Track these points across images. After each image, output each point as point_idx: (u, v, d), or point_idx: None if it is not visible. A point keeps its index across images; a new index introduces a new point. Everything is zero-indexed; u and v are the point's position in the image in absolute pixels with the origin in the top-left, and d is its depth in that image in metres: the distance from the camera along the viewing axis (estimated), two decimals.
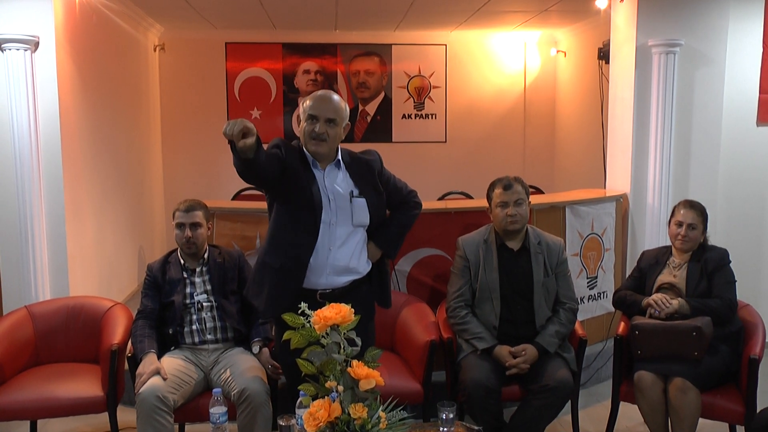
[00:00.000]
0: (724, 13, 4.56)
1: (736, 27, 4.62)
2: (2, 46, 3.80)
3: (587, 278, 4.34)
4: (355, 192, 2.68)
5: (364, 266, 2.75)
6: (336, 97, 2.65)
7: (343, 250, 2.66)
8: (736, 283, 3.26)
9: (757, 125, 4.81)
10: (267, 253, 2.70)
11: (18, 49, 3.79)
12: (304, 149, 2.67)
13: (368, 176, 2.74)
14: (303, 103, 2.66)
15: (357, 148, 2.85)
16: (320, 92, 2.66)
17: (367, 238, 2.76)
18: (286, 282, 2.63)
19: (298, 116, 2.68)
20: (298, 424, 2.18)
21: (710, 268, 3.24)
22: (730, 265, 3.27)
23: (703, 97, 4.61)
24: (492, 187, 3.28)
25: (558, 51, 7.46)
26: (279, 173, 2.53)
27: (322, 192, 2.64)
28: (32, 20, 3.86)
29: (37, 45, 3.87)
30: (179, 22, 6.56)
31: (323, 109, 2.59)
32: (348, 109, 2.69)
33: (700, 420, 3.01)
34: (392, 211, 2.88)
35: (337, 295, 2.62)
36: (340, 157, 2.71)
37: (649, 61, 4.52)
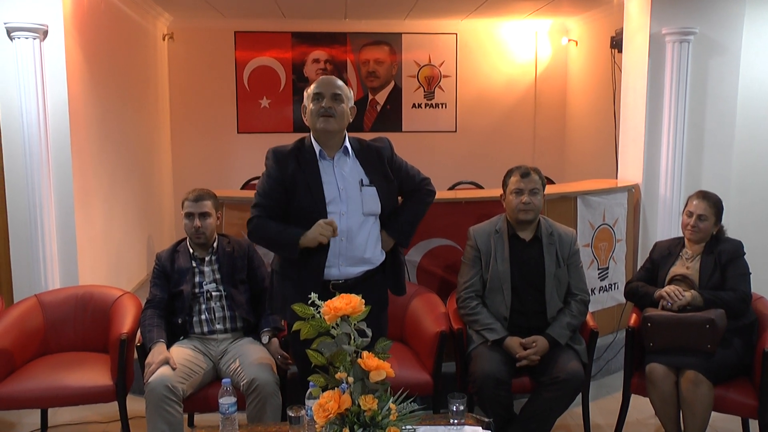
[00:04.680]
0: (739, 0, 4.49)
1: (752, 14, 4.55)
2: (11, 34, 3.79)
3: (598, 269, 4.31)
4: (365, 180, 2.66)
5: (378, 257, 2.73)
6: (338, 80, 2.69)
7: (356, 240, 2.64)
8: (750, 275, 3.22)
9: None
10: (282, 266, 2.71)
11: (27, 38, 3.78)
12: (311, 139, 2.65)
13: (378, 164, 2.71)
14: (306, 90, 2.68)
15: (367, 137, 2.82)
16: (322, 77, 2.70)
17: (380, 228, 2.73)
18: (308, 288, 2.61)
19: (304, 107, 2.67)
20: (307, 415, 2.17)
21: (724, 259, 3.20)
22: (744, 256, 3.24)
23: (718, 87, 4.55)
24: (509, 174, 3.26)
25: (569, 40, 7.38)
26: (284, 203, 2.65)
27: (332, 182, 2.62)
28: (41, 9, 3.85)
29: (45, 34, 3.86)
30: (188, 11, 6.54)
31: (328, 87, 2.62)
32: (352, 93, 2.72)
33: (713, 413, 2.98)
34: (405, 199, 2.85)
35: (349, 285, 2.60)
36: (348, 144, 2.68)
37: (663, 50, 4.47)
